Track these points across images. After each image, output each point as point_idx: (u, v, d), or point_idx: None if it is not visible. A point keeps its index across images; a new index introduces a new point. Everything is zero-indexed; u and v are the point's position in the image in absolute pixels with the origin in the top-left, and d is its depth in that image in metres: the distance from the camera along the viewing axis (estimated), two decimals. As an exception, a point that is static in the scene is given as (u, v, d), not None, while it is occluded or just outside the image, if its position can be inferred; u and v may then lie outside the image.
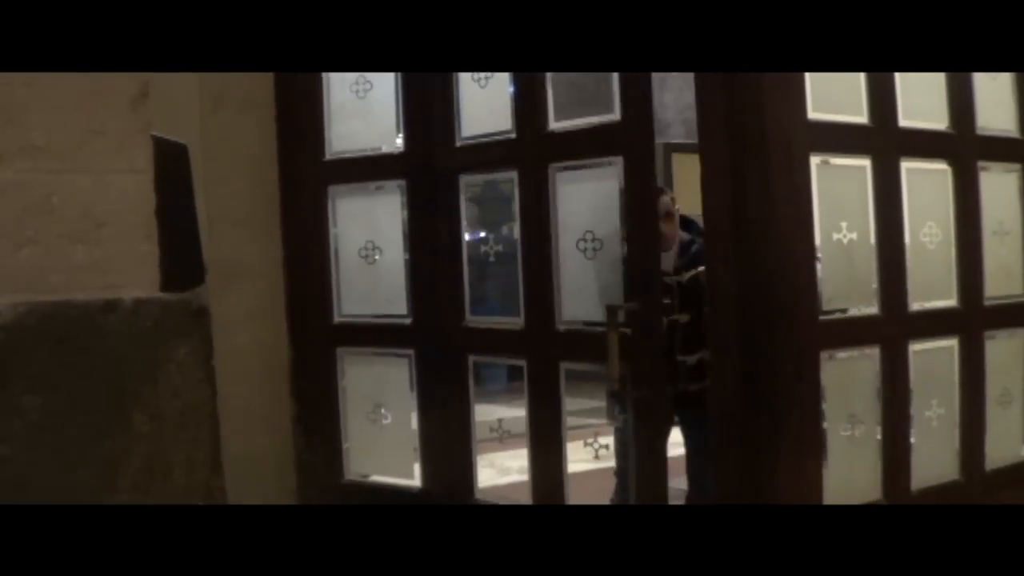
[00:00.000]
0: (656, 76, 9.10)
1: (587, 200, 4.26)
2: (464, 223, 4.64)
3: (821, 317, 4.15)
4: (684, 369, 5.01)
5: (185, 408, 2.32)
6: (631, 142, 4.07)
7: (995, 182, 4.89)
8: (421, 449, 4.69)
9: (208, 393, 2.43)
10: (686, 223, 5.61)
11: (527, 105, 4.34)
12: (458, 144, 4.57)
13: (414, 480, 4.73)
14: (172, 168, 2.81)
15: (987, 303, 4.78)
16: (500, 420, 4.65)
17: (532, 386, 4.42)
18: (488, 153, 4.53)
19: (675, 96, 8.74)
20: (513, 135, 4.40)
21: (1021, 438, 5.11)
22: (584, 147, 4.28)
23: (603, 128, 4.19)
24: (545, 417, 4.38)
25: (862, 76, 4.39)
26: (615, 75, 4.11)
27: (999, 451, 4.94)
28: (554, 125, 4.30)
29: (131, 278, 2.29)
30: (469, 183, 4.67)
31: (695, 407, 4.88)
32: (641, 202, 4.01)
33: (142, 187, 2.33)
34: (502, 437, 4.66)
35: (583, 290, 4.22)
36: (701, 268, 4.58)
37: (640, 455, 4.02)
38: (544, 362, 4.37)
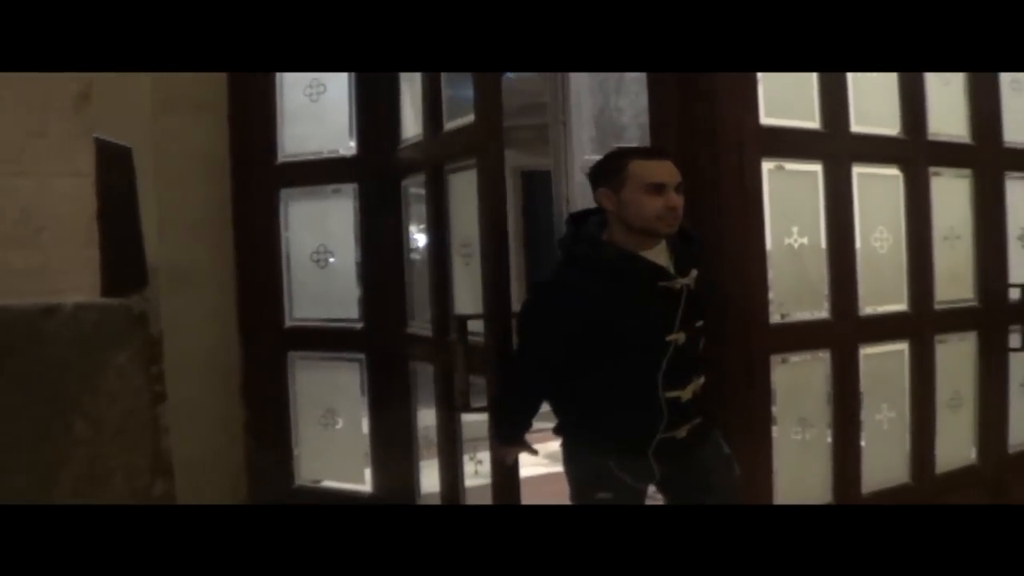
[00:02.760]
0: (612, 79, 9.25)
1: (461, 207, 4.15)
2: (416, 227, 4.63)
3: (772, 321, 4.16)
4: (673, 407, 3.37)
5: (125, 414, 2.29)
6: (485, 146, 3.83)
7: (947, 187, 4.94)
8: (372, 454, 4.66)
9: (148, 399, 2.40)
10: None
11: (431, 107, 4.29)
12: (400, 147, 4.59)
13: (365, 485, 4.71)
14: (116, 171, 2.78)
15: (938, 307, 4.82)
16: (427, 428, 4.63)
17: (437, 393, 4.37)
18: (412, 156, 4.53)
19: (631, 100, 8.74)
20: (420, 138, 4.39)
21: (971, 441, 5.15)
22: (453, 151, 4.14)
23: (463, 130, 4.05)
24: (445, 426, 4.34)
25: (815, 82, 4.42)
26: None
27: (949, 454, 4.97)
28: (448, 125, 4.22)
29: (71, 283, 2.26)
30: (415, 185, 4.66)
31: (680, 459, 3.46)
32: (491, 209, 3.79)
33: (84, 191, 2.30)
34: (429, 446, 4.63)
35: (470, 297, 4.06)
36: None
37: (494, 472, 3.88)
38: (442, 369, 4.30)
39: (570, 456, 3.52)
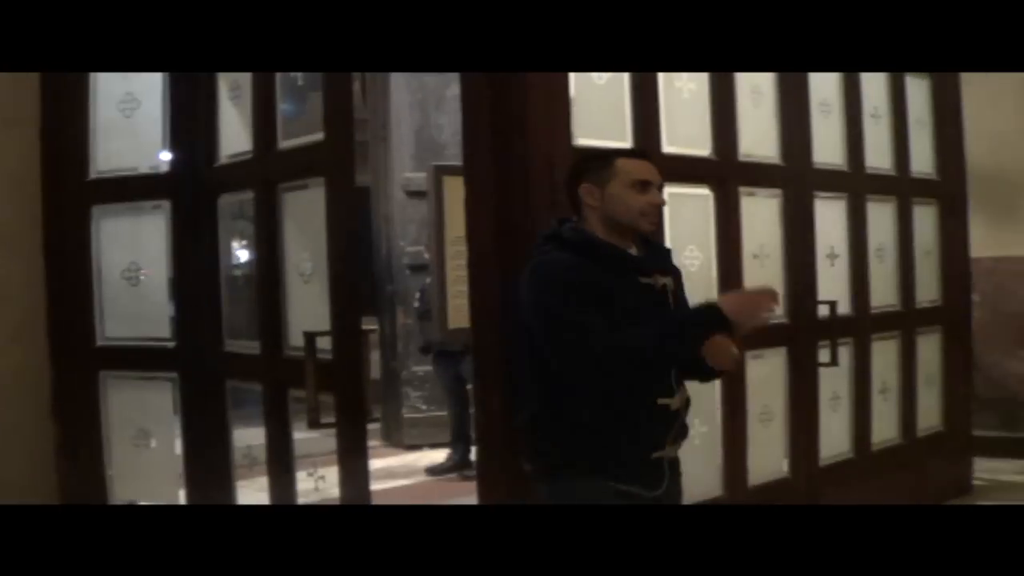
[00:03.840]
0: (432, 97, 9.28)
1: (309, 222, 4.10)
2: (236, 244, 4.56)
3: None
4: (664, 417, 3.23)
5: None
6: (334, 162, 3.91)
7: (757, 206, 5.09)
8: (185, 474, 4.59)
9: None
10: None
11: (262, 122, 4.26)
12: (218, 164, 4.52)
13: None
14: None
15: (748, 324, 4.94)
16: (249, 446, 4.58)
17: (266, 411, 4.33)
18: (236, 173, 4.47)
19: (451, 118, 8.76)
20: (251, 155, 4.33)
21: (783, 454, 5.29)
22: (300, 167, 4.13)
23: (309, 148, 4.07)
24: (276, 443, 4.29)
25: (627, 104, 4.50)
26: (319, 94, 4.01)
27: (762, 467, 5.11)
28: (283, 144, 4.21)
29: None
30: (242, 203, 4.61)
31: (668, 486, 3.27)
32: (342, 228, 3.85)
33: None
34: (251, 464, 4.58)
35: (308, 315, 4.06)
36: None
37: (343, 482, 3.92)
38: (273, 387, 4.28)
39: (558, 485, 3.22)
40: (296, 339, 4.09)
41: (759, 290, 3.25)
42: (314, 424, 3.85)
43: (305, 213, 4.05)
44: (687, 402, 3.30)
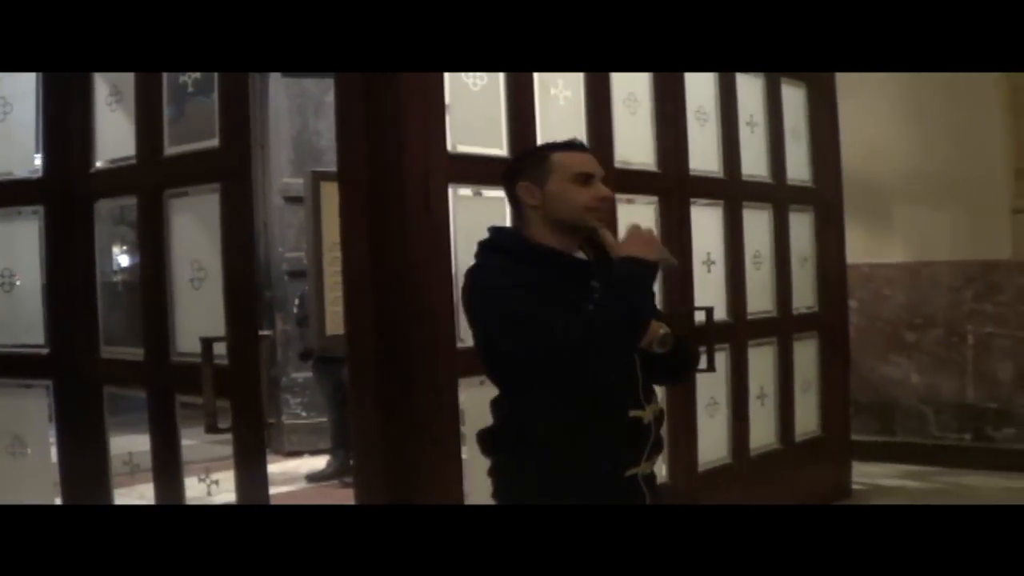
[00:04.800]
0: (311, 102, 9.27)
1: (196, 228, 4.11)
2: (116, 250, 4.53)
3: (459, 345, 4.23)
4: (636, 431, 2.97)
5: None
6: (231, 168, 3.90)
7: (635, 214, 5.15)
8: (61, 483, 4.54)
9: None
10: None
11: (146, 128, 4.23)
12: (93, 170, 4.47)
13: (57, 514, 4.59)
14: None
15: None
16: (131, 453, 4.54)
17: (152, 417, 4.30)
18: (118, 179, 4.42)
19: (329, 124, 8.67)
20: (134, 160, 4.29)
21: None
22: (191, 173, 4.11)
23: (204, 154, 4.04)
24: (163, 449, 4.27)
25: (503, 110, 4.55)
26: (216, 101, 3.99)
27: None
28: (169, 150, 4.18)
29: None
30: (123, 208, 4.58)
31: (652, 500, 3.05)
32: (238, 235, 3.87)
33: None
34: (133, 471, 4.55)
35: (197, 321, 4.04)
36: None
37: (240, 487, 3.93)
38: (160, 393, 4.26)
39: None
40: (183, 345, 4.11)
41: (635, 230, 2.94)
42: (211, 430, 3.82)
43: (193, 219, 4.05)
44: (661, 414, 3.07)
